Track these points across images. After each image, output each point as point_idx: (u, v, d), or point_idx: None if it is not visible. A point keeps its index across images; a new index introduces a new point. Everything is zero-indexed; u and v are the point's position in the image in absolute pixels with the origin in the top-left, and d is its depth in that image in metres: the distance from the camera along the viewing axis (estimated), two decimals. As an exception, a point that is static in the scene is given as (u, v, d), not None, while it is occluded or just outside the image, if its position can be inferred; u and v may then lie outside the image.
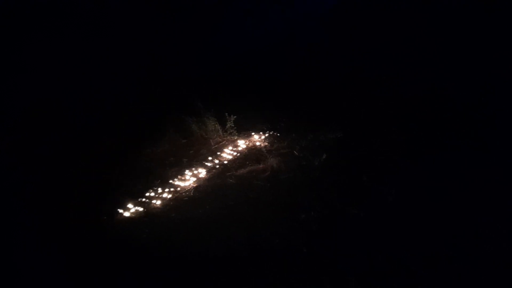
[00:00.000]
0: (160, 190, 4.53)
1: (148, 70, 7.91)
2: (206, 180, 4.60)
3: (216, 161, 4.96)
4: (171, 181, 4.67)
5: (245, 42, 9.12)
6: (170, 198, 4.39)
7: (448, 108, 4.83)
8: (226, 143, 5.38)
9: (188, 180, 4.66)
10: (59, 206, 4.59)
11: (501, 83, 5.01)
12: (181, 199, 4.33)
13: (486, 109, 4.59)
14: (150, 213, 4.16)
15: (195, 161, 5.04)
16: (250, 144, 5.23)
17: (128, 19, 8.24)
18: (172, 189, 4.53)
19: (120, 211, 4.26)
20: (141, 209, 4.28)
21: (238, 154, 5.05)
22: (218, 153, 5.14)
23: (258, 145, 5.14)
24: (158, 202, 4.32)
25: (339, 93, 6.17)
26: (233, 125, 5.50)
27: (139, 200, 4.42)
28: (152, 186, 4.62)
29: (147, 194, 4.50)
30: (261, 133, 5.44)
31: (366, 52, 7.24)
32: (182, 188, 4.54)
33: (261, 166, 4.67)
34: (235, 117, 5.51)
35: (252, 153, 5.00)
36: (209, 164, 4.91)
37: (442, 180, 3.58)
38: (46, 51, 7.34)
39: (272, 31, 9.39)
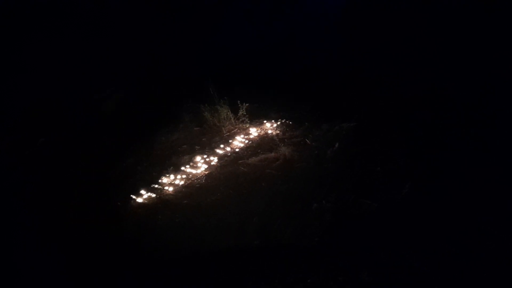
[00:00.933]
0: (172, 176, 4.58)
1: (163, 61, 7.92)
2: (218, 167, 4.62)
3: (228, 149, 4.96)
4: (183, 168, 4.71)
5: (254, 40, 9.18)
6: (182, 184, 4.43)
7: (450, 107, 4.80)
8: (238, 131, 5.37)
9: (200, 167, 4.69)
10: (74, 194, 4.70)
11: (501, 82, 4.95)
12: (193, 186, 4.37)
13: (487, 108, 4.54)
14: (163, 199, 4.21)
15: (208, 149, 5.06)
16: (262, 132, 5.21)
17: (131, 18, 8.23)
18: (184, 176, 4.57)
19: (134, 197, 4.33)
20: (154, 195, 4.34)
21: (250, 142, 5.04)
22: (230, 141, 5.15)
23: (270, 133, 5.12)
24: (171, 189, 4.37)
25: (352, 84, 6.10)
26: (245, 113, 5.48)
27: (153, 186, 4.47)
28: (165, 173, 4.67)
29: (160, 180, 4.54)
30: (273, 121, 5.40)
31: (370, 48, 7.21)
32: (194, 175, 4.57)
33: (273, 154, 4.66)
34: (247, 104, 5.49)
35: (264, 142, 4.99)
36: (221, 152, 4.92)
37: (447, 178, 3.57)
38: (47, 50, 7.41)
39: (275, 30, 9.43)
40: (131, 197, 4.34)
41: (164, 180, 4.55)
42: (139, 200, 4.30)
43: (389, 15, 8.23)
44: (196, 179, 4.49)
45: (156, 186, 4.49)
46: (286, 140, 4.90)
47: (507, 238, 2.70)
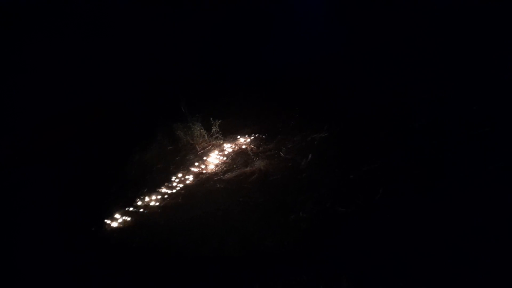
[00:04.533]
0: (147, 198, 4.49)
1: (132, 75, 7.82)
2: (194, 186, 4.58)
3: (203, 166, 4.94)
4: (158, 188, 4.64)
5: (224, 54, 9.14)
6: (158, 205, 4.36)
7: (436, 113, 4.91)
8: (213, 147, 5.36)
9: (175, 187, 4.63)
10: (42, 221, 4.53)
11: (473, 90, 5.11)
12: (170, 206, 4.30)
13: (458, 117, 4.65)
14: (138, 222, 4.12)
15: (182, 167, 5.01)
16: (237, 147, 5.22)
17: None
18: (159, 197, 4.50)
19: (108, 221, 4.21)
20: (129, 218, 4.24)
21: (225, 158, 5.04)
22: (205, 158, 5.13)
23: (245, 148, 5.13)
24: (147, 211, 4.29)
25: (323, 95, 6.21)
26: (218, 129, 5.49)
27: (127, 209, 4.37)
28: (140, 195, 4.58)
29: (135, 203, 4.45)
30: (246, 136, 5.42)
31: (354, 56, 7.36)
32: (170, 195, 4.51)
33: (248, 169, 4.66)
34: (220, 121, 5.50)
35: (239, 157, 4.99)
36: (196, 170, 4.88)
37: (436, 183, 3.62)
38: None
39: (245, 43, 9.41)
40: (105, 222, 4.23)
41: (139, 202, 4.46)
42: (114, 224, 4.20)
43: (364, 26, 8.33)
44: (172, 199, 4.43)
45: (131, 209, 4.40)
46: (260, 154, 4.92)
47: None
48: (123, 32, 8.10)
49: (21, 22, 7.45)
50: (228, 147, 5.23)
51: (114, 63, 7.58)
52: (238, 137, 5.44)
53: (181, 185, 4.65)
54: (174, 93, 6.28)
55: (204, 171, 4.84)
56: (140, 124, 6.51)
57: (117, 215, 4.30)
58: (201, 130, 5.49)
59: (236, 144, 5.29)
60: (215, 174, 4.72)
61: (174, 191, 4.56)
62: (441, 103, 4.84)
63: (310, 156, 4.59)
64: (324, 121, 5.15)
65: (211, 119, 5.51)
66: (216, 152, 5.20)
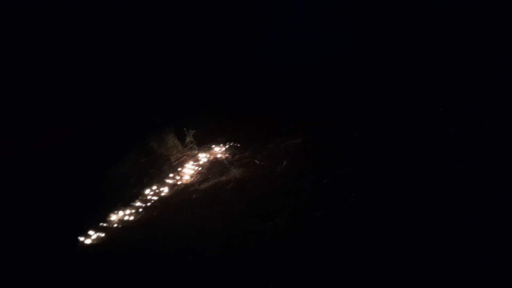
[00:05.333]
0: (122, 213, 4.39)
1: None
2: (169, 197, 4.51)
3: (178, 178, 4.87)
4: (132, 202, 4.54)
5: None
6: (132, 220, 4.27)
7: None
8: (187, 158, 5.31)
9: (150, 200, 4.54)
10: (14, 240, 4.36)
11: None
12: (145, 220, 4.21)
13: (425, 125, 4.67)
14: (113, 238, 4.02)
15: (157, 180, 4.94)
16: (212, 157, 5.19)
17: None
18: (134, 211, 4.40)
19: (82, 239, 4.09)
20: (103, 234, 4.13)
21: (200, 168, 4.99)
22: (180, 169, 5.06)
23: (220, 158, 5.11)
24: (121, 226, 4.18)
25: (295, 103, 6.26)
26: (192, 140, 5.44)
27: (101, 225, 4.26)
28: (114, 210, 4.47)
29: (109, 218, 4.34)
30: (221, 145, 5.40)
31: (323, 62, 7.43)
32: (145, 208, 4.42)
33: (224, 178, 4.63)
34: (193, 131, 5.46)
35: (214, 166, 4.96)
36: (171, 181, 4.82)
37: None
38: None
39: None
40: (79, 240, 4.10)
41: (113, 217, 4.36)
42: (88, 241, 4.08)
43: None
44: (147, 213, 4.34)
45: (105, 224, 4.29)
46: (235, 162, 4.90)
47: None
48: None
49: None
50: (203, 157, 5.19)
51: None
52: (213, 146, 5.41)
53: (156, 198, 4.57)
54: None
55: (179, 182, 4.78)
56: (113, 137, 6.37)
57: (90, 232, 4.18)
58: (175, 141, 5.43)
59: (211, 154, 5.25)
60: (190, 184, 4.67)
61: (149, 204, 4.48)
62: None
63: (285, 162, 4.62)
64: (298, 129, 5.20)
65: (185, 129, 5.45)
66: (191, 162, 5.15)
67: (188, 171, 4.97)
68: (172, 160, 5.32)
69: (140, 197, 4.61)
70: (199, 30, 8.94)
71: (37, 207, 4.88)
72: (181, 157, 5.36)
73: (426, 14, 7.81)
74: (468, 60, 5.73)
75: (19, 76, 6.91)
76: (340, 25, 8.91)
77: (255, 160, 4.81)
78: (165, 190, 4.66)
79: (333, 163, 4.34)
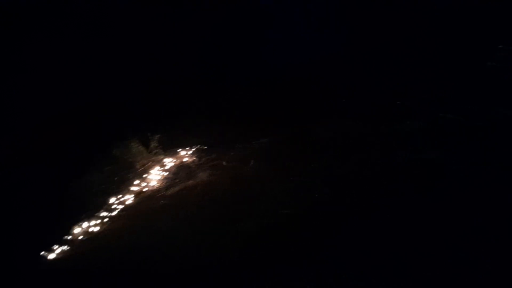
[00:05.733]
0: (86, 224, 4.23)
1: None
2: (136, 206, 4.40)
3: (144, 184, 4.76)
4: (97, 213, 4.39)
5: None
6: (97, 231, 4.12)
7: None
8: (153, 163, 5.19)
9: (115, 209, 4.41)
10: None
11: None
12: (111, 231, 4.08)
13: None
14: (77, 252, 3.86)
15: (122, 188, 4.79)
16: (178, 161, 5.10)
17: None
18: (99, 221, 4.25)
19: (45, 254, 3.91)
20: (67, 248, 3.96)
21: (167, 173, 4.90)
22: (145, 175, 4.95)
23: (186, 161, 5.04)
24: (86, 238, 4.03)
25: (260, 104, 6.26)
26: (157, 145, 5.33)
27: (65, 238, 4.09)
28: (78, 222, 4.30)
29: (73, 231, 4.17)
30: (188, 148, 5.32)
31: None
32: (111, 218, 4.28)
33: (191, 182, 4.58)
34: (158, 135, 5.35)
35: (181, 170, 4.89)
36: (136, 189, 4.70)
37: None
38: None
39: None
40: (41, 255, 3.92)
41: (77, 229, 4.19)
42: (51, 256, 3.90)
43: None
44: (112, 223, 4.21)
45: (69, 237, 4.12)
46: (202, 165, 4.85)
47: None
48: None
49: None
50: (169, 162, 5.10)
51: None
52: (179, 150, 5.32)
53: (122, 207, 4.44)
54: (110, 111, 6.02)
55: (145, 189, 4.66)
56: (76, 145, 6.16)
57: (54, 246, 4.00)
58: (139, 147, 5.30)
59: (177, 158, 5.17)
60: (157, 191, 4.57)
61: (114, 213, 4.34)
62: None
63: (252, 162, 4.62)
64: (264, 129, 5.21)
65: (149, 134, 5.34)
66: (157, 168, 5.04)
67: (154, 177, 4.86)
68: (138, 167, 5.18)
69: (105, 207, 4.46)
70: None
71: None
72: (147, 163, 5.23)
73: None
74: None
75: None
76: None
77: (222, 162, 4.78)
78: (130, 198, 4.54)
79: (300, 162, 4.38)
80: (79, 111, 6.78)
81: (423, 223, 3.05)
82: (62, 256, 3.90)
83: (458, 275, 2.50)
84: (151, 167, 5.11)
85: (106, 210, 4.39)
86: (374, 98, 5.63)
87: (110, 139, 5.49)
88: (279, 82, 7.04)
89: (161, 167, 5.04)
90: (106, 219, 4.26)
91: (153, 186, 4.70)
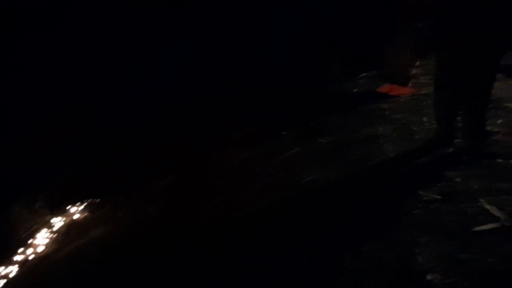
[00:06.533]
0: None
1: None
2: (20, 279, 3.95)
3: (30, 252, 4.31)
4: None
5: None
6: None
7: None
8: (38, 226, 4.74)
9: (-5, 286, 3.91)
10: None
11: None
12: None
13: None
14: None
15: (2, 260, 4.27)
16: (68, 219, 4.74)
17: None
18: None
19: None
20: None
21: (56, 235, 4.52)
22: (30, 241, 4.49)
23: (77, 218, 4.70)
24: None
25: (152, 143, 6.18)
26: (42, 204, 4.90)
27: None
28: None
29: None
30: (78, 203, 4.99)
31: None
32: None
33: (84, 240, 4.26)
34: (42, 194, 4.93)
35: (72, 229, 4.54)
36: (20, 258, 4.23)
37: None
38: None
39: None
40: None
41: None
42: None
43: None
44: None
45: None
46: (95, 220, 4.57)
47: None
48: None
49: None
50: (57, 221, 4.72)
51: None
52: (68, 207, 4.95)
53: (4, 281, 3.95)
54: None
55: (31, 257, 4.22)
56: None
57: None
58: (20, 209, 4.82)
59: (66, 216, 4.80)
60: (45, 257, 4.17)
61: (-6, 292, 3.85)
62: None
63: (151, 209, 4.50)
64: (164, 168, 5.09)
65: (33, 193, 4.89)
66: (44, 230, 4.62)
67: (41, 241, 4.44)
68: (21, 233, 4.68)
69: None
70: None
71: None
72: (31, 227, 4.75)
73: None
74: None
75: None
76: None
77: (118, 214, 4.58)
78: (13, 271, 4.06)
79: (202, 200, 4.26)
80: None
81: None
82: None
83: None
84: (36, 230, 4.66)
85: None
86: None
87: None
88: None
89: (48, 229, 4.63)
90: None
91: (40, 252, 4.28)
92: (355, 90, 6.25)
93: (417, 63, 6.28)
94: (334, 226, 2.89)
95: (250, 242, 3.16)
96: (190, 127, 6.50)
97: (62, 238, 4.45)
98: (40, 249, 4.34)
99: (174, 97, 7.48)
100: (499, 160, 3.24)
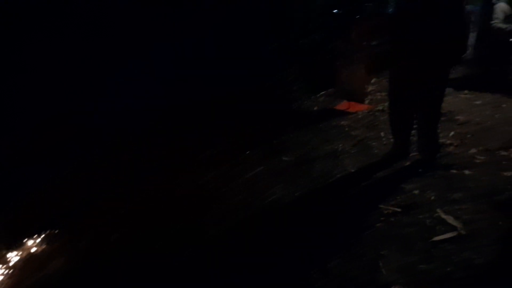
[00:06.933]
0: None
1: None
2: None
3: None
4: None
5: None
6: None
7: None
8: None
9: None
10: None
11: None
12: None
13: None
14: None
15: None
16: (24, 253, 4.42)
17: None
18: None
19: None
20: None
21: (12, 270, 4.19)
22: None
23: (35, 251, 4.39)
24: None
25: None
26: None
27: None
28: None
29: None
30: (36, 235, 4.64)
31: None
32: None
33: (41, 274, 3.90)
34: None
35: (28, 264, 4.21)
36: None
37: None
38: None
39: None
40: None
41: None
42: None
43: None
44: None
45: None
46: (54, 252, 4.23)
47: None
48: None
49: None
50: (13, 256, 4.40)
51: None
52: (25, 239, 4.62)
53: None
54: None
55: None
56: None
57: None
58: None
59: (23, 250, 4.48)
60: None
61: None
62: None
63: (115, 235, 4.03)
64: (119, 200, 4.75)
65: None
66: (-1, 266, 4.29)
67: (-4, 279, 4.08)
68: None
69: None
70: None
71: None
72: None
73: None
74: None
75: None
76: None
77: (78, 244, 4.15)
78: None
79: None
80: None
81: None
82: None
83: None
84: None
85: None
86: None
87: None
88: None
89: (3, 265, 4.31)
90: None
91: (-6, 290, 3.94)
92: (315, 108, 6.51)
93: (372, 80, 6.68)
94: (300, 244, 2.93)
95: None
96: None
97: (19, 273, 4.16)
98: (-5, 286, 3.98)
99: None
100: (453, 171, 3.39)
